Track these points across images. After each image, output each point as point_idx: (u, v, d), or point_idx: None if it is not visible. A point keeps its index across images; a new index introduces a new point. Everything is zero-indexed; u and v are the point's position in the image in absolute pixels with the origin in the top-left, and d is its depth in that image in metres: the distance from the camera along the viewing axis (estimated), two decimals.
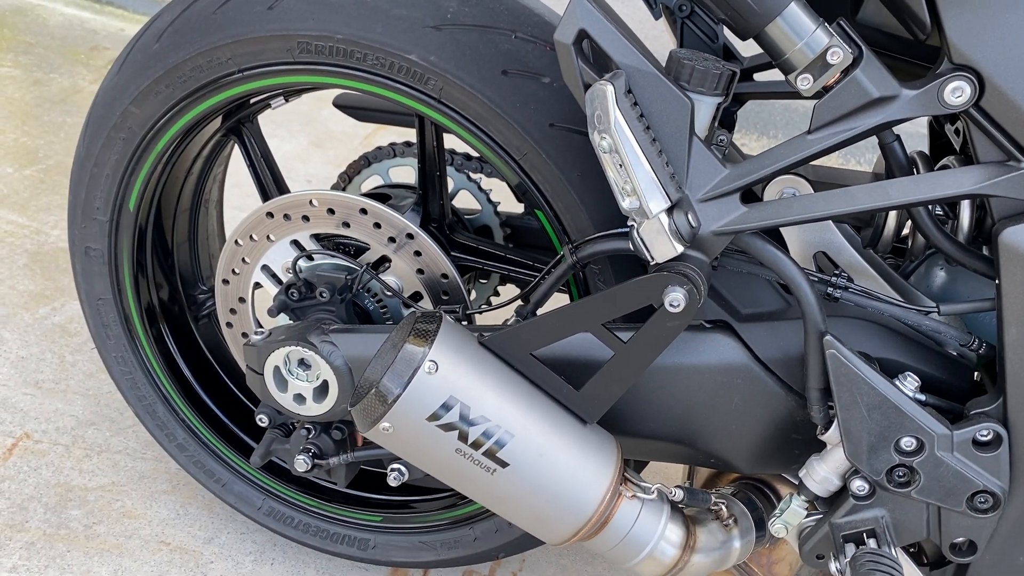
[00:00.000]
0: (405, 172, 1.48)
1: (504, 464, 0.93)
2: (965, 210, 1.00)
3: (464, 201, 1.45)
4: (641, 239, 0.86)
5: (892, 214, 1.05)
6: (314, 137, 2.71)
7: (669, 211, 0.84)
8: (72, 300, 1.93)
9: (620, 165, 0.83)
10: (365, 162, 1.48)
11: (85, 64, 2.87)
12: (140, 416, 1.42)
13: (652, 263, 0.88)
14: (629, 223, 0.88)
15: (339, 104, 1.47)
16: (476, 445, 0.92)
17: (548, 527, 0.99)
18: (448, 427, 0.91)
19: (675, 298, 0.87)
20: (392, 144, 1.48)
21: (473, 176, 1.46)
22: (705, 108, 0.87)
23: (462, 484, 0.97)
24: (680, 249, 0.85)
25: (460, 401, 0.91)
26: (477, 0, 1.08)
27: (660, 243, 0.85)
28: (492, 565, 1.56)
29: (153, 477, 1.60)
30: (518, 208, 1.53)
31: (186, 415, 1.42)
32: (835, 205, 0.87)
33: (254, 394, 1.48)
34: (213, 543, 1.51)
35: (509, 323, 1.03)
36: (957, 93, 0.84)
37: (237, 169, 1.47)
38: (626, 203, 0.85)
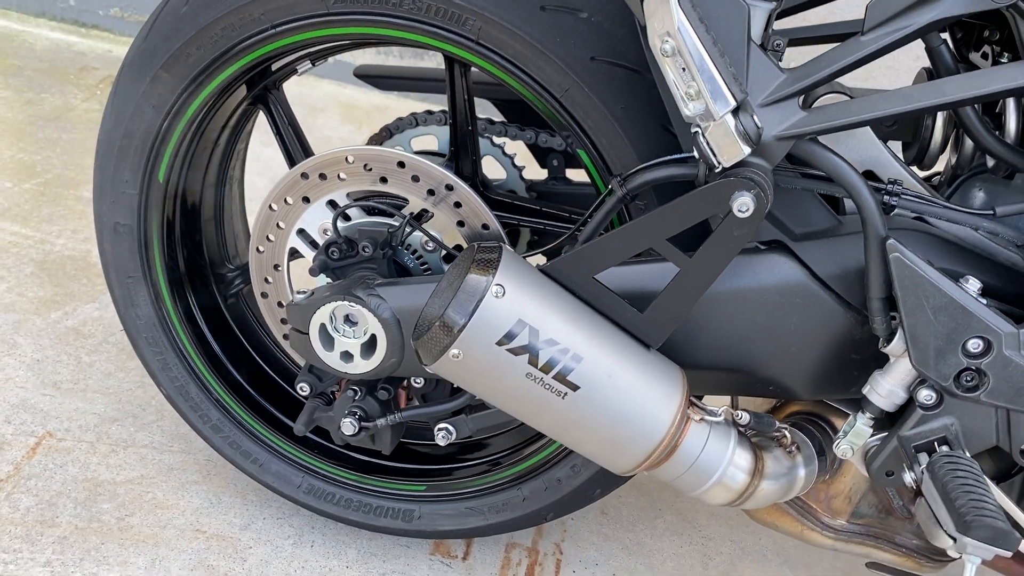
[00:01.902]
0: (427, 141, 1.48)
1: (575, 387, 0.92)
2: (1011, 115, 1.01)
3: (487, 170, 1.44)
4: (707, 143, 0.86)
5: (938, 128, 1.06)
6: (311, 142, 2.70)
7: (734, 112, 0.84)
8: (84, 304, 1.90)
9: (683, 68, 0.83)
10: (387, 133, 1.47)
11: (75, 84, 2.85)
12: (172, 398, 1.39)
13: (717, 169, 0.88)
14: (692, 131, 0.87)
15: (360, 74, 1.47)
16: (547, 368, 0.91)
17: (617, 453, 0.97)
18: (518, 350, 0.90)
19: (743, 203, 0.86)
20: (413, 114, 1.48)
21: (496, 141, 1.46)
22: (760, 14, 0.87)
23: (532, 412, 0.95)
24: (747, 150, 0.85)
25: (529, 324, 0.90)
26: None
27: (727, 145, 0.85)
28: (534, 536, 1.54)
29: (182, 468, 1.56)
30: (541, 174, 1.53)
31: (220, 395, 1.39)
32: (893, 104, 0.88)
33: (286, 371, 1.47)
34: (250, 529, 1.47)
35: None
36: None
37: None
38: (690, 109, 0.85)
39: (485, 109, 1.44)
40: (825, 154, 0.91)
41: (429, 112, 1.46)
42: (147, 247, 1.29)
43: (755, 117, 0.86)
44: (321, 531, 1.48)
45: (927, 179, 1.23)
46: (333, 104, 2.97)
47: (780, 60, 0.89)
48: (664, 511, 1.66)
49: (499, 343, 0.90)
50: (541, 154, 1.49)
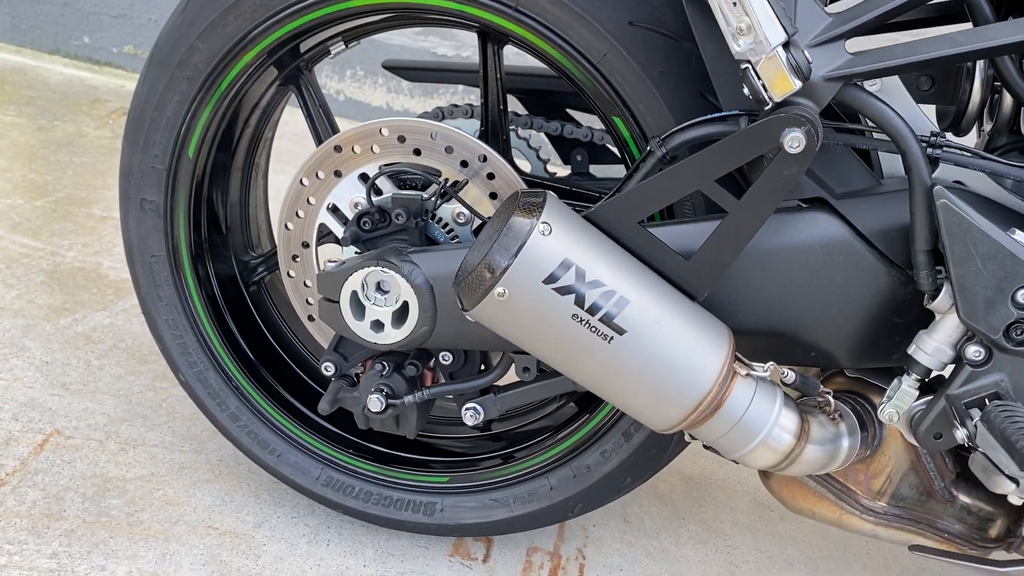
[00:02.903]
0: None
1: (621, 331, 0.90)
2: None
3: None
4: (758, 77, 0.86)
5: (976, 89, 1.06)
6: None
7: (785, 46, 0.85)
8: (94, 312, 1.87)
9: (735, 3, 0.84)
10: None
11: (88, 114, 2.87)
12: (190, 384, 1.36)
13: (768, 106, 0.88)
14: (743, 67, 0.88)
15: (388, 66, 1.48)
16: (592, 310, 0.89)
17: (662, 406, 0.94)
18: (565, 290, 0.88)
19: (795, 138, 0.86)
20: (439, 108, 1.49)
21: (522, 133, 1.47)
22: None
23: (575, 358, 0.93)
24: (798, 84, 0.85)
25: (575, 264, 0.89)
26: None
27: (779, 79, 0.85)
28: (556, 540, 1.49)
29: (194, 467, 1.52)
30: (565, 170, 1.54)
31: (240, 382, 1.35)
32: (939, 48, 0.89)
33: (305, 362, 1.44)
34: (264, 527, 1.42)
35: None
36: None
37: None
38: (740, 44, 0.85)
39: (510, 104, 1.46)
40: (872, 101, 0.92)
41: (455, 106, 1.48)
42: (173, 225, 1.28)
43: (805, 53, 0.86)
44: (337, 530, 1.43)
45: None
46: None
47: (826, 4, 0.90)
48: (688, 520, 1.61)
49: (545, 282, 0.88)
50: (566, 148, 1.50)
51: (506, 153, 1.29)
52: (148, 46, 3.19)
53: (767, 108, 0.88)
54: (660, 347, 0.91)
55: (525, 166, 1.47)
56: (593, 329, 0.90)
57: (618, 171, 1.53)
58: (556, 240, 0.89)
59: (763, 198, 0.91)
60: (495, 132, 1.28)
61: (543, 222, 0.89)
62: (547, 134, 1.46)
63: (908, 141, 0.92)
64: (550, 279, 0.88)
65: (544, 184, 1.29)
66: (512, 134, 1.46)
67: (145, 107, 1.23)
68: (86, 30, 3.23)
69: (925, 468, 1.15)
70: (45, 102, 2.90)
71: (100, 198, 2.35)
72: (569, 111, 1.50)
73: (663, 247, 0.95)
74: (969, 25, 1.03)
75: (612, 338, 0.90)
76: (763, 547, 1.58)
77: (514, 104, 1.50)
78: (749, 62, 0.86)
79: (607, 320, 0.90)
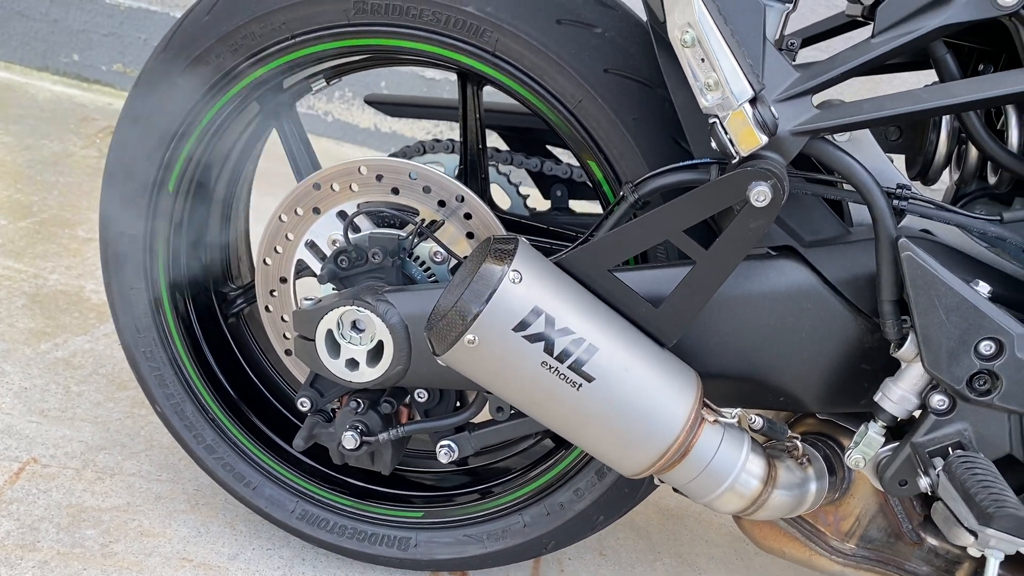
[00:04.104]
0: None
1: (589, 379, 0.91)
2: (1013, 128, 1.04)
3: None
4: (725, 132, 0.87)
5: (942, 141, 1.08)
6: None
7: (752, 102, 0.86)
8: (75, 336, 1.87)
9: (703, 59, 0.85)
10: None
11: (76, 132, 2.87)
12: (167, 416, 1.36)
13: (735, 160, 0.89)
14: (710, 121, 0.89)
15: (371, 101, 1.50)
16: (562, 357, 0.90)
17: (629, 453, 0.95)
18: (534, 337, 0.90)
19: (761, 192, 0.88)
20: (421, 142, 1.50)
21: (502, 169, 1.48)
22: (774, 14, 0.91)
23: (545, 404, 0.94)
24: (764, 139, 0.87)
25: (544, 312, 0.90)
26: None
27: (745, 134, 0.86)
28: (531, 573, 1.49)
29: (170, 497, 1.52)
30: (544, 205, 1.55)
31: (216, 414, 1.36)
32: (904, 104, 0.91)
33: (283, 396, 1.44)
34: (238, 559, 1.42)
35: None
36: None
37: None
38: (708, 99, 0.87)
39: (490, 139, 1.47)
40: (838, 154, 0.93)
41: (437, 140, 1.49)
42: (152, 258, 1.29)
43: (772, 109, 0.88)
44: (312, 563, 1.43)
45: None
46: (329, 161, 3.01)
47: (794, 59, 0.92)
48: (663, 553, 1.61)
49: (515, 329, 0.89)
50: (545, 184, 1.52)
51: (484, 191, 1.30)
52: (137, 65, 3.20)
53: (734, 161, 0.90)
54: (628, 394, 0.92)
55: (505, 201, 1.48)
56: (562, 376, 0.91)
57: (597, 207, 1.54)
58: (526, 288, 0.90)
59: (730, 249, 0.92)
60: (474, 170, 1.30)
61: (514, 270, 0.90)
62: (527, 170, 1.47)
63: (874, 194, 0.93)
64: (520, 326, 0.89)
65: (520, 223, 1.30)
66: (493, 170, 1.47)
67: (127, 142, 1.23)
68: (75, 48, 3.23)
69: (893, 511, 1.16)
70: (33, 120, 2.90)
71: (85, 219, 2.35)
72: (549, 147, 1.52)
73: (633, 294, 0.96)
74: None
75: (581, 385, 0.91)
76: None
77: (495, 140, 1.52)
78: (717, 116, 0.88)
79: (576, 367, 0.91)
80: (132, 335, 1.33)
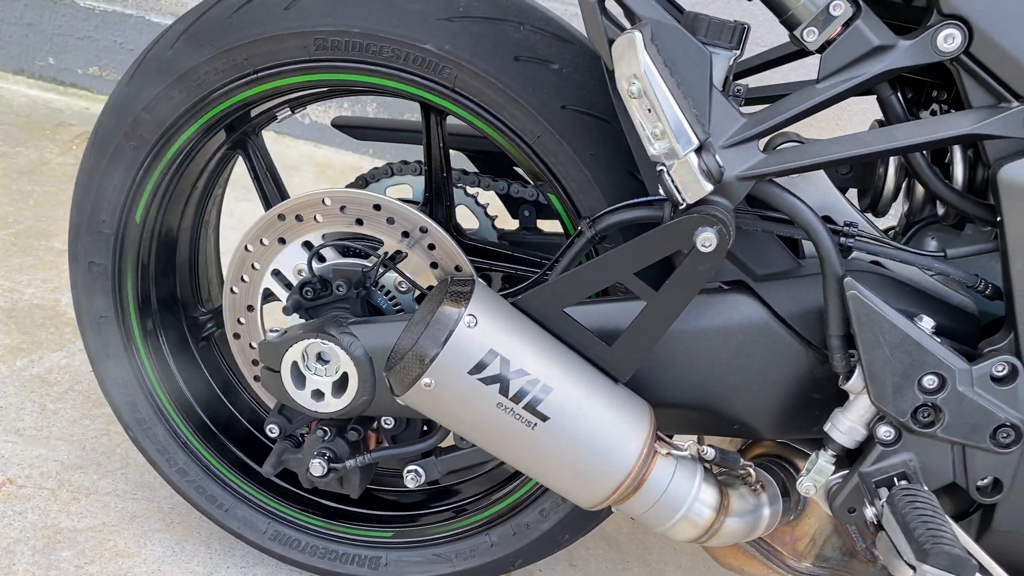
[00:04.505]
0: (402, 190, 1.51)
1: (544, 418, 0.94)
2: (958, 165, 1.07)
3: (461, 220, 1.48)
4: (672, 181, 0.90)
5: (891, 176, 1.11)
6: None
7: (697, 151, 0.88)
8: (51, 352, 1.88)
9: (649, 110, 0.87)
10: (363, 182, 1.50)
11: (51, 139, 2.87)
12: (139, 441, 1.38)
13: (682, 207, 0.92)
14: (658, 169, 0.92)
15: (338, 125, 1.51)
16: (517, 398, 0.93)
17: (585, 486, 0.98)
18: (489, 380, 0.92)
19: (707, 238, 0.90)
20: (389, 164, 1.51)
21: (470, 191, 1.50)
22: (721, 61, 0.93)
23: (502, 443, 0.97)
24: (709, 187, 0.89)
25: (500, 355, 0.92)
26: None
27: (691, 182, 0.89)
28: None
29: (145, 516, 1.54)
30: (513, 224, 1.57)
31: (187, 438, 1.38)
32: (847, 148, 0.93)
33: (255, 417, 1.46)
34: None
35: None
36: (949, 40, 0.91)
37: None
38: (655, 148, 0.89)
39: (458, 160, 1.49)
40: (784, 195, 0.96)
41: (404, 162, 1.50)
42: (121, 287, 1.30)
43: (717, 157, 0.90)
44: None
45: (884, 231, 1.28)
46: (308, 164, 3.02)
47: (741, 105, 0.94)
48: (632, 563, 1.65)
49: (470, 372, 0.91)
50: (513, 205, 1.53)
51: (450, 217, 1.32)
52: (113, 68, 3.19)
53: (682, 207, 0.92)
54: (582, 432, 0.95)
55: (473, 222, 1.50)
56: (517, 416, 0.93)
57: None
58: (481, 331, 0.92)
59: (679, 290, 0.95)
60: (439, 196, 1.32)
61: (469, 314, 0.92)
62: (495, 192, 1.49)
63: (819, 234, 0.96)
64: (475, 369, 0.92)
65: (486, 249, 1.32)
66: (460, 192, 1.49)
67: (91, 175, 1.25)
68: (50, 51, 3.22)
69: (848, 530, 1.19)
70: (7, 126, 2.89)
71: (61, 230, 2.35)
72: (517, 169, 1.53)
73: (587, 334, 0.99)
74: None
75: (536, 424, 0.94)
76: None
77: (464, 161, 1.53)
78: (664, 165, 0.90)
79: (531, 408, 0.93)
80: (103, 363, 1.34)
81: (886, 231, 1.28)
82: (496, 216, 1.52)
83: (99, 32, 3.16)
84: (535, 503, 1.29)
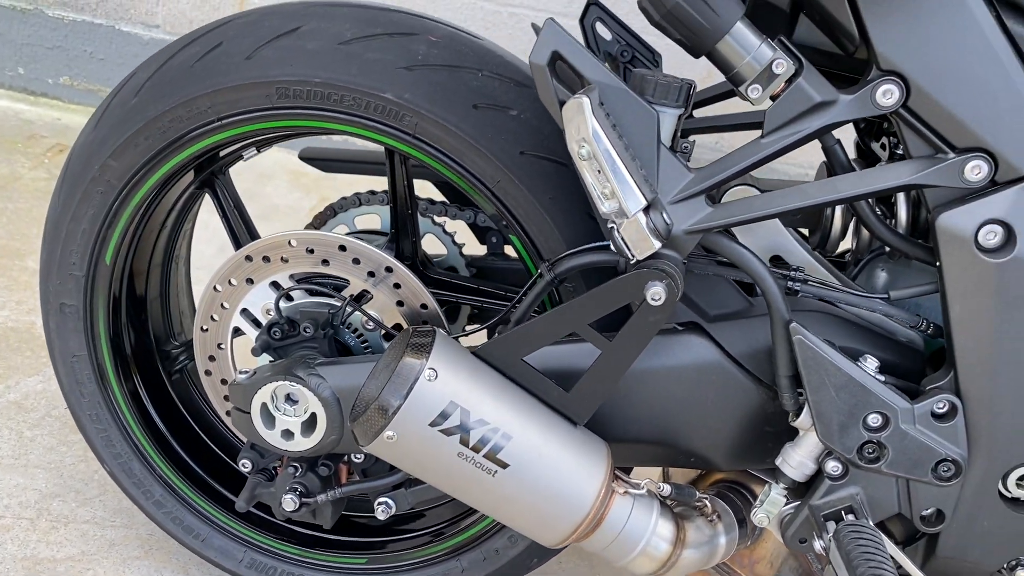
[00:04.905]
0: (370, 220, 1.54)
1: (504, 465, 0.97)
2: (902, 206, 1.11)
3: (427, 246, 1.51)
4: (622, 239, 0.93)
5: (838, 217, 1.15)
6: (259, 211, 2.72)
7: (646, 210, 0.92)
8: (26, 377, 1.90)
9: (598, 171, 0.91)
10: (331, 212, 1.53)
11: (23, 152, 2.86)
12: (115, 475, 1.41)
13: (632, 261, 0.95)
14: (608, 227, 0.95)
15: (305, 157, 1.53)
16: (477, 448, 0.96)
17: (547, 527, 1.02)
18: (450, 431, 0.95)
19: (656, 292, 0.94)
20: (357, 194, 1.54)
21: (437, 220, 1.53)
22: (668, 119, 0.96)
23: (464, 489, 1.00)
24: (658, 245, 0.93)
25: (460, 406, 0.96)
26: (444, 43, 1.17)
27: (640, 241, 0.92)
28: None
29: (124, 544, 1.57)
30: (481, 250, 1.60)
31: (163, 471, 1.41)
32: (791, 200, 0.97)
33: (230, 447, 1.49)
34: None
35: None
36: (887, 95, 0.95)
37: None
38: (605, 207, 0.92)
39: (426, 189, 1.51)
40: (731, 245, 0.99)
41: (372, 192, 1.53)
42: (92, 327, 1.32)
43: (664, 214, 0.94)
44: None
45: (840, 255, 1.32)
46: (282, 172, 3.02)
47: (688, 160, 0.98)
48: (602, 574, 1.69)
49: (432, 424, 0.95)
50: (480, 232, 1.56)
51: (415, 252, 1.35)
52: (84, 78, 3.19)
53: (632, 262, 0.95)
54: (541, 477, 0.99)
55: (441, 250, 1.53)
56: (478, 465, 0.97)
57: None
58: (442, 383, 0.96)
59: (631, 340, 0.98)
60: (405, 230, 1.34)
61: (430, 367, 0.95)
62: (462, 221, 1.52)
63: (766, 281, 1.00)
64: (436, 421, 0.95)
65: (452, 283, 1.35)
66: (428, 220, 1.51)
67: (60, 219, 1.26)
68: (20, 61, 3.20)
69: (804, 553, 1.24)
70: None
71: (35, 249, 2.36)
72: None
73: (545, 380, 1.02)
74: None
75: (496, 472, 0.97)
76: None
77: (432, 190, 1.56)
78: (614, 222, 0.93)
79: (491, 456, 0.97)
80: (77, 399, 1.37)
81: (842, 254, 1.33)
82: (464, 244, 1.55)
83: (69, 42, 3.14)
84: (504, 530, 1.33)
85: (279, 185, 2.95)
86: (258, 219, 2.65)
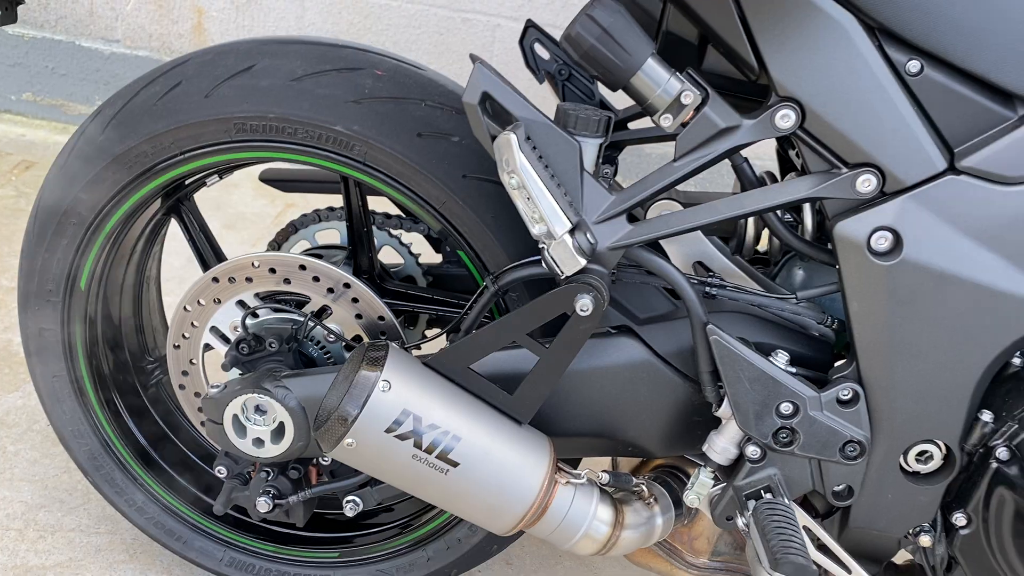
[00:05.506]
0: (330, 235, 1.63)
1: (455, 464, 1.08)
2: (807, 214, 1.23)
3: (386, 257, 1.61)
4: (552, 258, 1.04)
5: (751, 224, 1.26)
6: (226, 220, 2.83)
7: (571, 232, 1.03)
8: (7, 394, 1.98)
9: (528, 198, 1.01)
10: (292, 229, 1.62)
11: None
12: (98, 485, 1.50)
13: (562, 277, 1.06)
14: (540, 246, 1.05)
15: (265, 178, 1.62)
16: (430, 450, 1.07)
17: (497, 517, 1.13)
18: (404, 436, 1.06)
19: (584, 303, 1.05)
20: (316, 210, 1.63)
21: (393, 232, 1.62)
22: (590, 148, 1.06)
23: (419, 487, 1.11)
24: (583, 263, 1.03)
25: (412, 413, 1.06)
26: (389, 76, 1.26)
27: (567, 259, 1.03)
28: None
29: (110, 549, 1.66)
30: (437, 258, 1.70)
31: (144, 479, 1.50)
32: (702, 216, 1.08)
33: (206, 453, 1.59)
34: None
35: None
36: (785, 119, 1.06)
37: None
38: (536, 229, 1.03)
39: (383, 203, 1.61)
40: (651, 258, 1.10)
41: (331, 208, 1.62)
42: (71, 348, 1.41)
43: (588, 234, 1.05)
44: None
45: (765, 253, 1.44)
46: (247, 180, 3.09)
47: (610, 184, 1.08)
48: (564, 557, 1.81)
49: (387, 431, 1.05)
50: (435, 241, 1.66)
51: (372, 266, 1.45)
52: (47, 93, 3.23)
53: (563, 277, 1.06)
54: (489, 473, 1.10)
55: (399, 260, 1.63)
56: (431, 465, 1.07)
57: None
58: (395, 394, 1.06)
59: (566, 346, 1.09)
60: (362, 246, 1.44)
61: (384, 379, 1.06)
62: (417, 232, 1.62)
63: (683, 289, 1.11)
64: (391, 428, 1.05)
65: (408, 293, 1.46)
66: (384, 233, 1.61)
67: (36, 249, 1.35)
68: None
69: (737, 528, 1.36)
70: None
71: (7, 267, 2.43)
72: None
73: (490, 385, 1.13)
74: None
75: (448, 470, 1.08)
76: None
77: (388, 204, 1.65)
78: (544, 243, 1.04)
79: (443, 456, 1.07)
80: (60, 417, 1.46)
81: (766, 252, 1.44)
82: (420, 254, 1.65)
83: (30, 58, 3.19)
84: (464, 521, 1.44)
85: (245, 194, 3.02)
86: (226, 228, 2.74)
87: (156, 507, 1.51)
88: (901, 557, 1.30)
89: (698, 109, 1.06)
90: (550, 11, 2.87)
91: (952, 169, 1.05)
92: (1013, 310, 1.07)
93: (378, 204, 1.67)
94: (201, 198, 1.48)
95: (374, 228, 1.58)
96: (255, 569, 1.52)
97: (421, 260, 1.64)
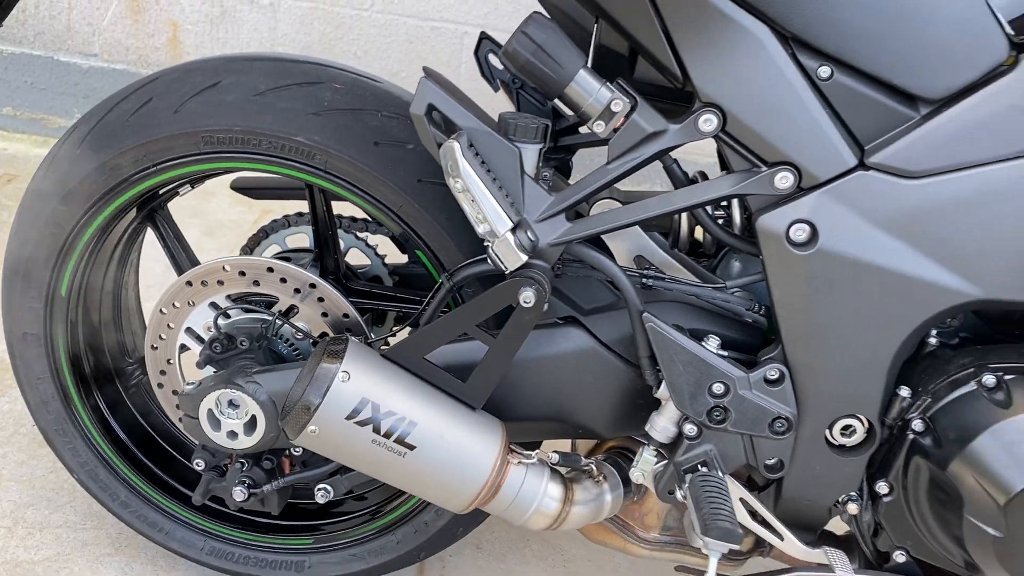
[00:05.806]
0: (300, 239, 1.72)
1: (412, 447, 1.17)
2: (735, 209, 1.32)
3: (354, 259, 1.70)
4: (496, 255, 1.13)
5: (684, 219, 1.36)
6: (204, 227, 2.91)
7: (513, 231, 1.12)
8: None
9: (472, 200, 1.10)
10: (263, 234, 1.71)
11: None
12: (83, 481, 1.58)
13: (507, 272, 1.15)
14: (484, 244, 1.15)
15: (236, 187, 1.71)
16: (388, 435, 1.16)
17: (453, 496, 1.22)
18: (363, 423, 1.15)
19: (527, 296, 1.14)
20: (286, 216, 1.72)
21: (360, 235, 1.71)
22: (530, 153, 1.16)
23: (380, 470, 1.20)
24: (524, 259, 1.13)
25: (371, 401, 1.15)
26: (347, 89, 1.35)
27: (509, 256, 1.12)
28: (416, 572, 1.77)
29: (96, 543, 1.74)
30: (403, 258, 1.79)
31: (126, 474, 1.58)
32: (635, 214, 1.17)
33: (185, 448, 1.67)
34: None
35: None
36: (707, 124, 1.15)
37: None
38: (480, 229, 1.12)
39: (351, 207, 1.70)
40: (590, 253, 1.20)
41: (300, 213, 1.71)
42: (54, 352, 1.49)
43: (529, 232, 1.14)
44: None
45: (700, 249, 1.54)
46: (223, 188, 3.17)
47: (550, 185, 1.18)
48: (532, 540, 1.90)
49: (348, 418, 1.14)
50: (400, 243, 1.75)
51: (339, 266, 1.54)
52: (27, 107, 3.30)
53: (508, 272, 1.15)
54: (444, 455, 1.19)
55: (365, 261, 1.72)
56: (390, 449, 1.16)
57: None
58: (354, 384, 1.15)
59: (512, 337, 1.19)
60: (328, 248, 1.53)
61: (343, 370, 1.15)
62: (382, 235, 1.71)
63: (621, 280, 1.20)
64: (351, 415, 1.14)
65: (372, 292, 1.55)
66: (351, 236, 1.70)
67: (18, 258, 1.43)
68: None
69: (683, 504, 1.45)
70: None
71: None
72: None
73: (444, 374, 1.22)
74: None
75: (406, 453, 1.17)
76: (594, 557, 1.89)
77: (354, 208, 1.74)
78: (488, 242, 1.13)
79: (400, 440, 1.17)
80: (44, 416, 1.54)
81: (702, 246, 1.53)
82: (385, 255, 1.74)
83: (9, 74, 3.26)
84: (431, 505, 1.53)
85: (222, 202, 3.10)
86: (205, 235, 2.82)
87: (139, 501, 1.59)
88: (841, 529, 1.40)
89: (628, 116, 1.15)
90: (516, 19, 2.97)
91: (862, 165, 1.15)
92: (921, 293, 1.17)
93: (345, 209, 1.76)
94: (180, 206, 1.56)
95: (341, 231, 1.68)
96: (234, 557, 1.60)
97: (388, 260, 1.73)
